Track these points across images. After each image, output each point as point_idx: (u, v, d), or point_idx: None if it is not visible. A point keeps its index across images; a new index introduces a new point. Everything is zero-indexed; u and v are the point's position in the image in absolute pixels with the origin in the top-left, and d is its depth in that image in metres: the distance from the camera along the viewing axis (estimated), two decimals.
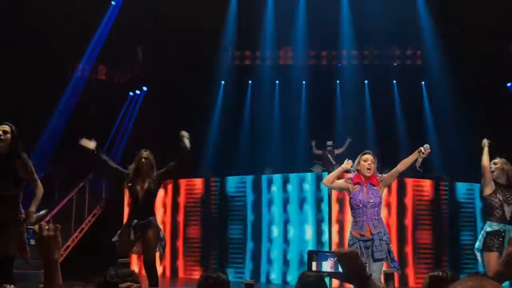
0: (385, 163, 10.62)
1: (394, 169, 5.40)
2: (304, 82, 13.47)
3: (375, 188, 5.34)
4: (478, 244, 5.26)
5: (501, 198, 5.24)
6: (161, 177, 5.59)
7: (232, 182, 9.48)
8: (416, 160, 5.20)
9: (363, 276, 1.73)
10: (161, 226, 5.87)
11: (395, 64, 13.44)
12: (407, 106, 12.95)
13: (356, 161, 5.46)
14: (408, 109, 12.96)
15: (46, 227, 1.98)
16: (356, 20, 12.56)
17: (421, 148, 5.18)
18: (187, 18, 11.97)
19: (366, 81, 13.44)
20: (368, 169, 5.33)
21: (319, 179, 8.36)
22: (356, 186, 5.37)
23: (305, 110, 13.34)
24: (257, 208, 9.06)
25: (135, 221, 5.43)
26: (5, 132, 4.72)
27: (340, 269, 1.76)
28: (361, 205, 5.26)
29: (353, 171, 5.46)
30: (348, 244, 5.26)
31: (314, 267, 1.81)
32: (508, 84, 12.95)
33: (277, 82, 13.74)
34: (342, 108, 13.23)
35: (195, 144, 5.59)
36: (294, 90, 13.30)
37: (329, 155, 9.88)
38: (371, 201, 5.28)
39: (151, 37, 12.82)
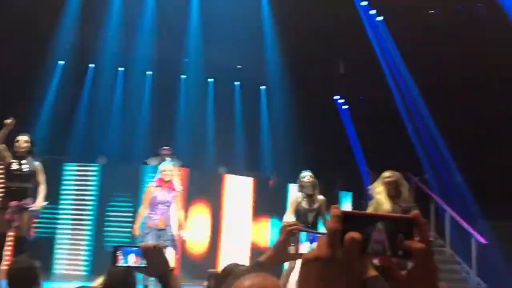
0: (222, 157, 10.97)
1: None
2: (151, 72, 13.19)
3: (172, 192, 6.62)
4: None
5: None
6: None
7: None
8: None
9: (165, 269, 1.84)
10: None
11: (238, 66, 13.72)
12: (247, 108, 13.49)
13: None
14: (247, 111, 13.50)
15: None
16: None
17: None
18: None
19: (210, 80, 13.67)
20: (165, 174, 6.53)
21: None
22: (157, 188, 6.58)
23: (148, 102, 13.11)
24: None
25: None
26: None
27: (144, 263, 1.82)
28: (157, 204, 6.49)
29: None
30: (144, 232, 6.48)
31: (118, 262, 1.83)
32: (335, 97, 14.30)
33: (119, 69, 13.27)
34: (185, 104, 13.27)
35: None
36: (138, 80, 12.99)
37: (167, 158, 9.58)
38: (165, 200, 6.56)
39: None
